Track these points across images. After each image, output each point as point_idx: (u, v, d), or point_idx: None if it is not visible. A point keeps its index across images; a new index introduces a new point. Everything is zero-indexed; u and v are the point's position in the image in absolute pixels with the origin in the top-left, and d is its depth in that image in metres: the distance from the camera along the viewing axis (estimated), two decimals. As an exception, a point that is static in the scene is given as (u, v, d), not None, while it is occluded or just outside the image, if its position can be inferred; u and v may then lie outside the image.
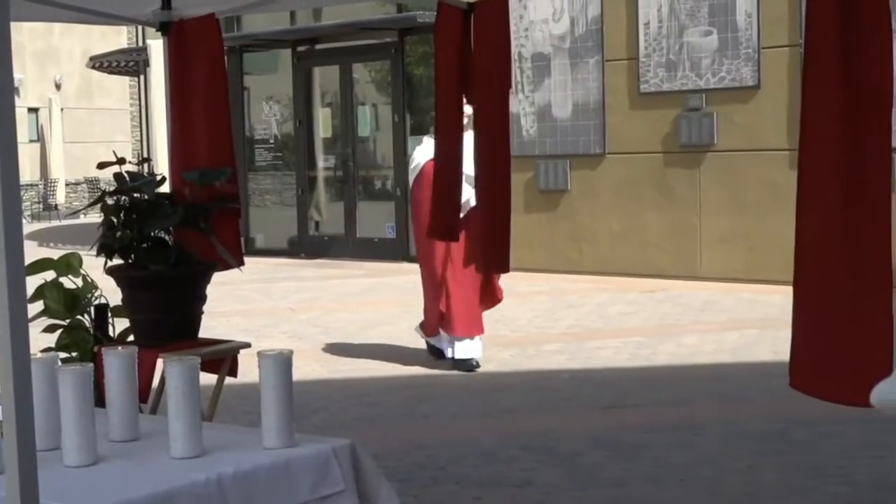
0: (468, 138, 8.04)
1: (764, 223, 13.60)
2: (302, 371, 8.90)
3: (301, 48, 19.08)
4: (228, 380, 5.66)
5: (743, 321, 11.28)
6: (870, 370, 3.96)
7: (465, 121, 6.70)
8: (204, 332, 5.51)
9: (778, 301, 11.94)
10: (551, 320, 11.43)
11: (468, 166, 8.18)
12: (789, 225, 4.30)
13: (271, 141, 19.81)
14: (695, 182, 14.24)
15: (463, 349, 9.27)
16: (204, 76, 6.12)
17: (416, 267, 16.73)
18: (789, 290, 3.98)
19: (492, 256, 5.61)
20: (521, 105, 15.23)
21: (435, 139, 5.63)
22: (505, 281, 9.47)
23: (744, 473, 6.26)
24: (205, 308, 5.47)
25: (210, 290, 5.46)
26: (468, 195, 8.37)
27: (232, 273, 5.90)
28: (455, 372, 9.17)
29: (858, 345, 3.97)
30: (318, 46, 19.02)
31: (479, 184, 5.50)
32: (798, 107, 4.15)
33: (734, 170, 13.94)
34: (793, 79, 13.05)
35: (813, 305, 4.11)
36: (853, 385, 4.02)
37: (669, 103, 14.29)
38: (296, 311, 12.82)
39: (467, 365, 9.22)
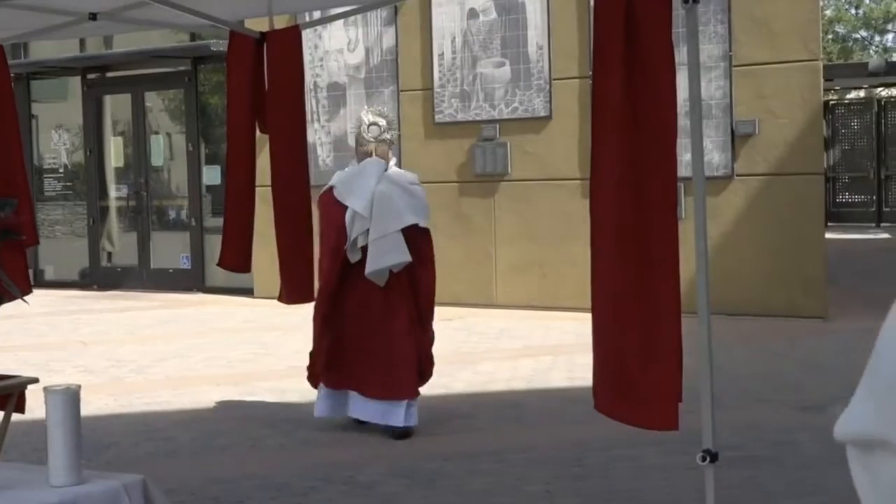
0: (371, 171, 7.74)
1: (557, 251, 13.85)
2: (93, 406, 8.67)
3: (91, 76, 18.69)
4: (16, 416, 5.47)
5: (538, 348, 11.45)
6: (661, 395, 4.06)
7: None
8: (-11, 368, 5.32)
9: (572, 328, 12.16)
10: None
11: (357, 202, 7.62)
12: (581, 253, 4.39)
13: (61, 170, 19.33)
14: (490, 211, 14.42)
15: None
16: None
17: (212, 297, 16.63)
18: (583, 316, 4.06)
19: (294, 287, 5.58)
20: (317, 134, 15.21)
21: (227, 168, 5.56)
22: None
23: (542, 498, 6.33)
24: (-11, 343, 5.29)
25: (-5, 323, 5.29)
26: (359, 231, 7.59)
27: (20, 305, 5.72)
28: (250, 401, 9.05)
29: (650, 370, 4.07)
30: (110, 74, 18.66)
31: (277, 213, 5.46)
32: (588, 137, 4.24)
33: (528, 199, 14.17)
34: (583, 109, 13.35)
35: (608, 332, 4.20)
36: (648, 409, 4.12)
37: (464, 133, 14.47)
38: (87, 345, 12.49)
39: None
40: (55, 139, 19.32)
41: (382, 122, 7.99)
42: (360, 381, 7.76)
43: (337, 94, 15.22)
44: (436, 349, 11.46)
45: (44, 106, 19.68)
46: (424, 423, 8.19)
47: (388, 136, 7.99)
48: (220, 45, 16.11)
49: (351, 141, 15.08)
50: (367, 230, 7.60)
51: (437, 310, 13.77)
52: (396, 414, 7.74)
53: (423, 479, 6.79)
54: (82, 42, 18.46)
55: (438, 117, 14.59)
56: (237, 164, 5.37)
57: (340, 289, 7.78)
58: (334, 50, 15.27)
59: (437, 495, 6.46)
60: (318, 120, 15.26)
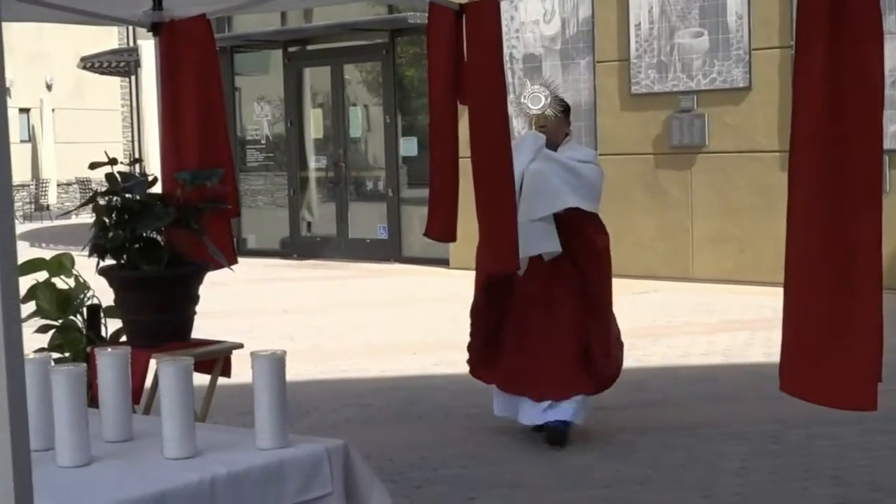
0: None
1: (755, 224, 13.61)
2: (294, 372, 8.87)
3: (292, 49, 19.07)
4: (221, 380, 5.65)
5: (734, 322, 11.29)
6: (859, 374, 3.97)
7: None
8: (196, 333, 5.50)
9: (769, 302, 11.93)
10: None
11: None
12: (781, 226, 4.31)
13: (262, 141, 19.80)
14: (686, 183, 14.25)
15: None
16: (196, 76, 6.13)
17: (408, 268, 16.83)
18: (781, 291, 3.98)
19: (495, 255, 5.58)
20: (512, 106, 15.21)
21: (430, 139, 5.58)
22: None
23: (736, 475, 6.26)
24: (197, 308, 5.46)
25: (202, 290, 5.45)
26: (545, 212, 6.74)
27: (224, 273, 5.90)
28: (445, 373, 9.15)
29: (847, 348, 3.97)
30: (310, 47, 19.01)
31: (477, 183, 5.46)
32: (789, 108, 4.15)
33: (725, 171, 13.95)
34: (784, 80, 13.07)
35: (802, 308, 4.11)
36: (842, 388, 4.02)
37: (660, 104, 14.31)
38: (288, 312, 12.81)
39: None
40: (257, 111, 19.80)
41: (545, 92, 7.10)
42: (523, 383, 6.93)
43: (532, 66, 15.21)
44: (630, 322, 11.38)
45: (246, 78, 20.18)
46: (618, 395, 8.16)
47: (551, 112, 7.00)
48: (417, 17, 16.27)
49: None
50: None
51: (632, 283, 13.80)
52: (558, 410, 6.89)
53: (617, 451, 6.78)
54: (283, 15, 18.85)
55: (635, 88, 14.46)
56: (440, 135, 5.40)
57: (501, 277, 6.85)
58: (530, 21, 15.26)
59: (631, 468, 6.45)
60: (514, 91, 15.25)
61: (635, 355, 9.68)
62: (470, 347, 7.20)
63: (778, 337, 3.99)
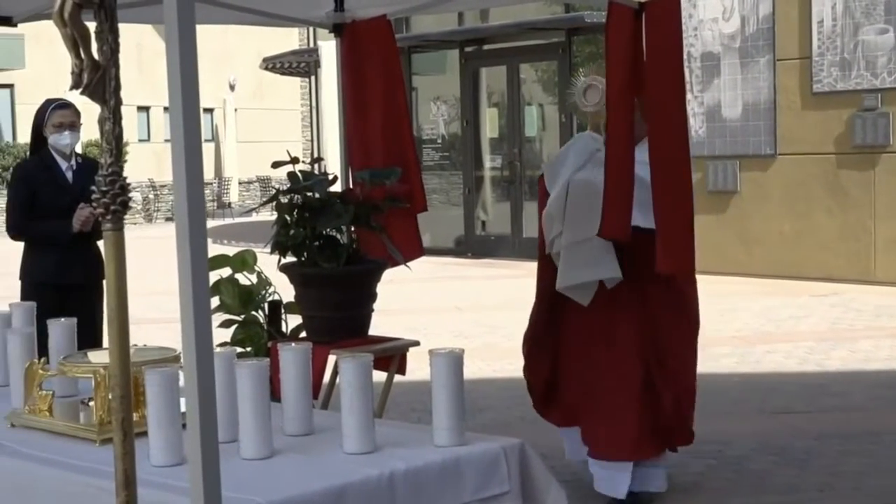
0: None
1: (942, 226, 13.22)
2: (468, 370, 8.88)
3: (469, 49, 19.18)
4: (396, 377, 5.71)
5: (919, 327, 10.99)
6: None
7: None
8: (372, 330, 5.56)
9: (956, 307, 11.61)
10: (720, 323, 11.26)
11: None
12: (972, 229, 4.18)
13: (438, 141, 19.96)
14: (869, 184, 13.90)
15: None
16: (379, 76, 6.22)
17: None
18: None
19: (674, 257, 5.52)
20: (689, 105, 15.05)
21: (607, 138, 5.51)
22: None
23: (920, 483, 6.10)
24: (374, 306, 5.52)
25: (379, 287, 5.51)
26: (556, 232, 5.73)
27: (400, 271, 5.95)
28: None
29: None
30: (486, 47, 19.09)
31: (656, 184, 5.38)
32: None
33: (911, 171, 13.58)
34: (974, 78, 12.67)
35: None
36: None
37: (843, 103, 13.98)
38: (462, 310, 12.88)
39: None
40: (433, 110, 19.97)
41: (603, 83, 5.59)
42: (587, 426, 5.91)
43: (711, 64, 15.01)
44: (809, 325, 11.15)
45: (423, 78, 20.36)
46: (797, 400, 8.02)
47: None
48: (594, 16, 16.20)
49: (727, 112, 14.88)
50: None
51: (811, 285, 13.52)
52: (616, 479, 5.74)
53: (794, 457, 6.65)
54: (460, 16, 18.97)
55: (816, 87, 14.16)
56: (616, 134, 5.36)
57: (558, 303, 5.90)
58: (709, 19, 15.06)
59: (809, 475, 6.32)
60: (692, 90, 15.09)
61: (815, 359, 9.50)
62: (528, 385, 6.20)
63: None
